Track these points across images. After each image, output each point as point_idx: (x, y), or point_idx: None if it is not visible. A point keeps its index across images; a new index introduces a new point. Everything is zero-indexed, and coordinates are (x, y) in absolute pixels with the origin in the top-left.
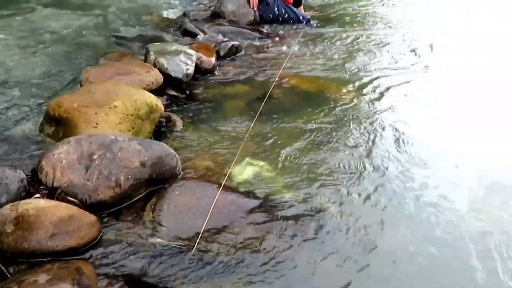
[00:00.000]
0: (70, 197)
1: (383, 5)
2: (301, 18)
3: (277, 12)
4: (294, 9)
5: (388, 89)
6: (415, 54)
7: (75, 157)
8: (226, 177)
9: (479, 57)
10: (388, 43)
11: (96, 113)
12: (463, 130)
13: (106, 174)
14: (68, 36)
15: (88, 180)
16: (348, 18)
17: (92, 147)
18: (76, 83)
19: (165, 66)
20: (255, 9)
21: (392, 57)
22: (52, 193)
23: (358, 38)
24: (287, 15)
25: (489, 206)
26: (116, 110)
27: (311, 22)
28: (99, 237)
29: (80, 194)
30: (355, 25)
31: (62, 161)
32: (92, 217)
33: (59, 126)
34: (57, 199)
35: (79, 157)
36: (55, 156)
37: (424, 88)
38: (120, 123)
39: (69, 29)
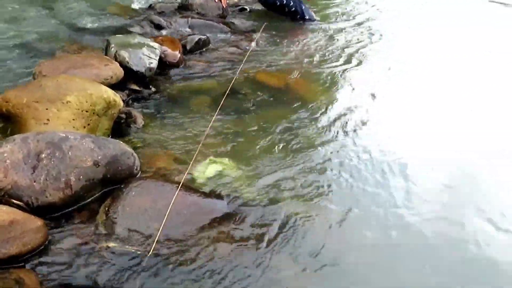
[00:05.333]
0: (14, 200)
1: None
2: (306, 16)
3: (284, 1)
4: (303, 5)
5: (352, 83)
6: (385, 50)
7: (21, 156)
8: (184, 176)
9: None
10: (358, 39)
11: (47, 109)
12: (429, 128)
13: (55, 174)
14: (24, 26)
15: (34, 181)
16: (320, 13)
17: (39, 145)
18: (30, 77)
19: (127, 59)
20: (224, 5)
21: (360, 53)
22: None
23: (327, 33)
24: (293, 8)
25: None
26: (69, 105)
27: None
28: (46, 242)
29: (25, 197)
30: (325, 20)
31: (6, 161)
32: (38, 222)
33: (7, 123)
34: (0, 203)
35: (25, 156)
36: None
37: (391, 84)
38: (74, 119)
39: (26, 19)
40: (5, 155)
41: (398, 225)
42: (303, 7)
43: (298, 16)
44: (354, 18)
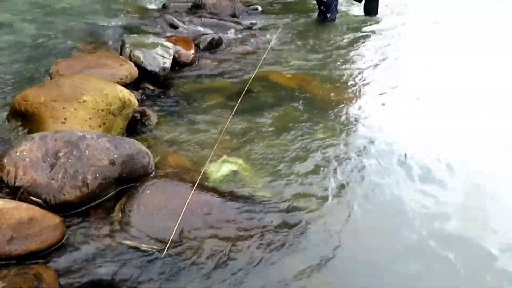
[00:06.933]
0: (33, 197)
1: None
2: (328, 15)
3: None
4: (337, 3)
5: (369, 85)
6: (399, 49)
7: (39, 154)
8: (200, 176)
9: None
10: (374, 39)
11: (64, 108)
12: (441, 127)
13: (72, 172)
14: (41, 27)
15: (52, 179)
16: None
17: (57, 144)
18: (47, 76)
19: (141, 59)
20: None
21: (377, 53)
22: (14, 193)
23: (340, 34)
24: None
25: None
26: (85, 105)
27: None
28: (63, 239)
29: (44, 194)
30: (342, 20)
31: (25, 159)
32: (56, 219)
33: (26, 121)
34: (20, 200)
35: (43, 154)
36: (18, 154)
37: (405, 86)
38: (90, 118)
39: (43, 19)
40: (24, 153)
41: (413, 227)
42: (333, 5)
43: (323, 8)
44: (371, 20)
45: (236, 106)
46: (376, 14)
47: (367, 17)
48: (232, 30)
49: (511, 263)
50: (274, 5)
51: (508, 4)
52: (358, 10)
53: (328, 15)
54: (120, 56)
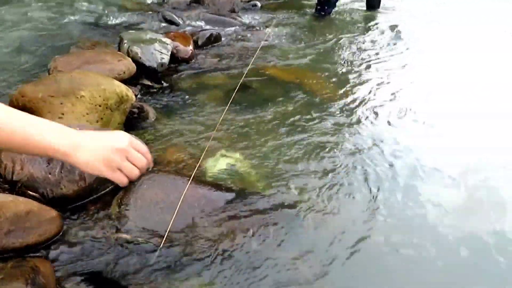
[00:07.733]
0: (30, 191)
1: None
2: (325, 7)
3: None
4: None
5: (365, 79)
6: (396, 45)
7: None
8: (195, 170)
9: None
10: (372, 35)
11: (61, 103)
12: (438, 123)
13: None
14: (39, 23)
15: (50, 173)
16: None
17: None
18: (45, 72)
19: (139, 55)
20: None
21: (374, 48)
22: (12, 187)
23: (339, 29)
24: None
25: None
26: (83, 100)
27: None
28: (61, 233)
29: (41, 188)
30: (338, 16)
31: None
32: (53, 213)
33: None
34: (17, 194)
35: None
36: None
37: (403, 80)
38: (87, 113)
39: (40, 15)
40: None
41: (418, 225)
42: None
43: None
44: (368, 16)
45: (230, 100)
46: (379, 8)
47: (367, 13)
48: (231, 26)
49: None
50: (273, 1)
51: (499, 4)
52: (357, 6)
53: (325, 8)
54: (118, 52)
